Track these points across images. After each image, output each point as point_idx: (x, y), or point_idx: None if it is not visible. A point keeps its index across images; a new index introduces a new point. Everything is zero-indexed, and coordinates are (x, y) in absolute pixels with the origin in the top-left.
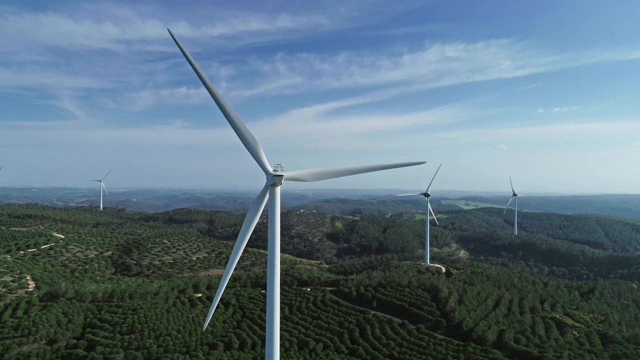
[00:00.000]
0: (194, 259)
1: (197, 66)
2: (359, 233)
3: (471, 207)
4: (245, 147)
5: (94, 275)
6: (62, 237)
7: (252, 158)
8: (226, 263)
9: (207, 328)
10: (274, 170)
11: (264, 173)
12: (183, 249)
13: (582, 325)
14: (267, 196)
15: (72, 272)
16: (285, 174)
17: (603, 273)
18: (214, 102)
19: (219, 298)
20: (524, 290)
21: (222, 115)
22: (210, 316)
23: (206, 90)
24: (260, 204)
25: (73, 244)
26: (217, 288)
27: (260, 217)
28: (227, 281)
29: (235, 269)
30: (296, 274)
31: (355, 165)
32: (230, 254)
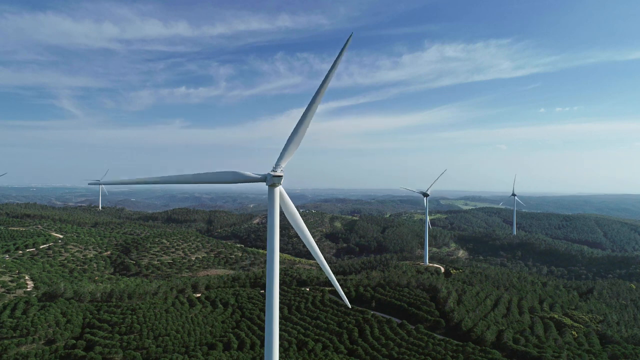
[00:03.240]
0: (193, 258)
1: (340, 59)
2: (358, 233)
3: (470, 207)
4: (291, 136)
5: (92, 275)
6: (61, 236)
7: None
8: (225, 262)
9: (206, 328)
10: (273, 171)
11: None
12: (182, 248)
13: (580, 326)
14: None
15: (70, 272)
16: (280, 187)
17: (602, 273)
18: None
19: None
20: (522, 290)
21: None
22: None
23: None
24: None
25: (72, 243)
26: (216, 287)
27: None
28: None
29: (234, 269)
30: (295, 274)
31: (325, 263)
32: (229, 253)
